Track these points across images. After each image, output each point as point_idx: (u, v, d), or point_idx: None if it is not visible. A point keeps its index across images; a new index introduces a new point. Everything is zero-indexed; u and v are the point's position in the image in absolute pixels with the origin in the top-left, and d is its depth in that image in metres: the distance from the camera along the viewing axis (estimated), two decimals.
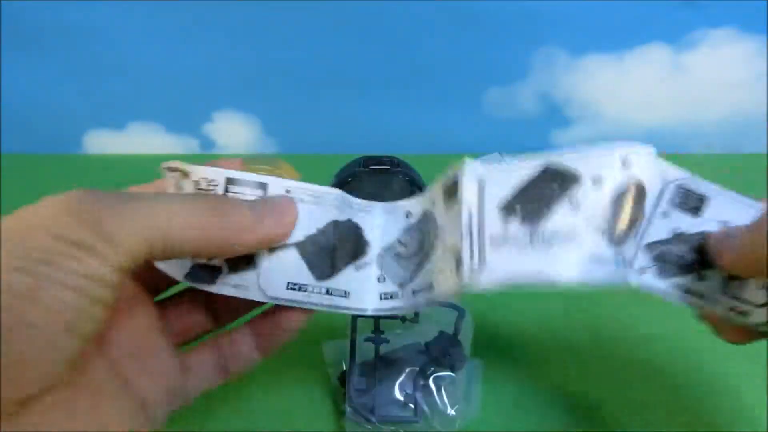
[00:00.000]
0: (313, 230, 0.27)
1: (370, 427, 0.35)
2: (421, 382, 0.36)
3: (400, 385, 0.36)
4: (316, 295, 0.27)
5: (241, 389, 0.39)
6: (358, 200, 0.29)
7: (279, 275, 0.26)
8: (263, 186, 0.27)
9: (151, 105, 0.58)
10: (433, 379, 0.36)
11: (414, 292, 0.27)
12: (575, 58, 0.54)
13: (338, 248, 0.28)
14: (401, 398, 0.35)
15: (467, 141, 0.58)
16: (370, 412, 0.35)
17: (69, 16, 0.52)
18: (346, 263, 0.28)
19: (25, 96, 0.57)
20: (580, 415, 0.37)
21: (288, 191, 0.27)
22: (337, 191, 0.28)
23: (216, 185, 0.26)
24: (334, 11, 0.52)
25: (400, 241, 0.28)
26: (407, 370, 0.36)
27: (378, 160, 0.47)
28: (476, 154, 0.48)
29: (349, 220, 0.28)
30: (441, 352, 0.36)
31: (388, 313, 0.28)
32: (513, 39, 0.53)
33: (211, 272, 0.26)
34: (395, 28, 0.53)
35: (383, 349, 0.37)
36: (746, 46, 0.53)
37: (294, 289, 0.27)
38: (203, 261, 0.26)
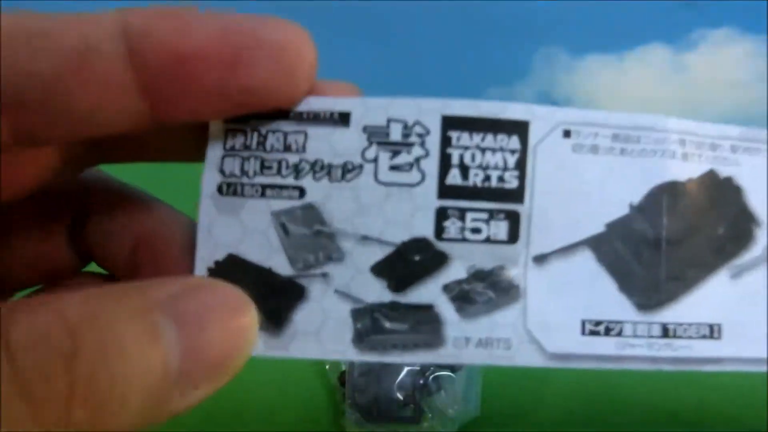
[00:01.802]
0: (623, 210, 0.15)
1: (370, 427, 0.35)
2: (421, 382, 0.36)
3: (400, 385, 0.36)
4: (642, 342, 0.15)
5: (240, 389, 0.39)
6: (734, 127, 0.15)
7: (563, 307, 0.15)
8: (520, 126, 0.15)
9: None
10: (433, 379, 0.36)
11: None
12: (575, 58, 0.54)
13: (685, 240, 0.15)
14: (401, 398, 0.35)
15: None
16: (370, 412, 0.35)
17: None
18: (716, 266, 0.15)
19: None
20: (580, 416, 0.37)
21: (569, 131, 0.14)
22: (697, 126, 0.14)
23: (425, 134, 0.14)
24: (333, 11, 0.52)
25: None
26: (407, 369, 0.36)
27: None
28: None
29: (711, 174, 0.14)
30: None
31: None
32: (513, 39, 0.53)
33: (432, 324, 0.15)
34: (395, 27, 0.53)
35: None
36: (746, 46, 0.53)
37: (595, 334, 0.15)
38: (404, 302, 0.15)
